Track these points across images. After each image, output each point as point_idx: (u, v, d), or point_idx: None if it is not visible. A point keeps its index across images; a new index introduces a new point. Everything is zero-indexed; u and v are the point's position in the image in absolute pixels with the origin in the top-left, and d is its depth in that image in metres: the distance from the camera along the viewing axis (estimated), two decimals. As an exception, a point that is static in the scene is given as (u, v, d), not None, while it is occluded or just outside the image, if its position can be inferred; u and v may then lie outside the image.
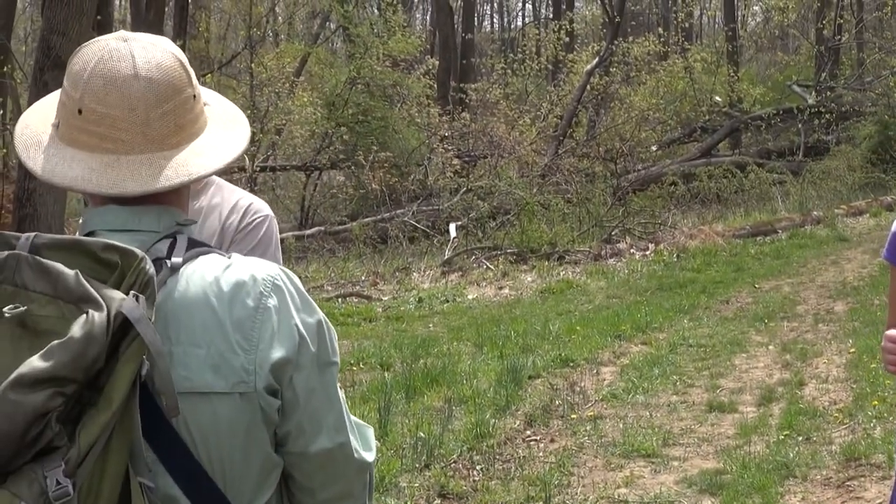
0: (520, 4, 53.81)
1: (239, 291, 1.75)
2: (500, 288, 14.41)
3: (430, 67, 25.97)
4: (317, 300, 10.67)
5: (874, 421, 6.90)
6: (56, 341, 1.50)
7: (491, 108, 24.26)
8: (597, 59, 25.22)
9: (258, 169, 20.56)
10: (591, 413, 7.63)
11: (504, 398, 7.86)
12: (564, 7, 36.40)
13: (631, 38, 27.52)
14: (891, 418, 6.88)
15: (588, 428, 7.23)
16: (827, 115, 24.89)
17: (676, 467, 6.40)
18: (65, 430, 1.52)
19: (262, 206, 3.29)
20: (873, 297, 11.12)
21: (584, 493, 5.96)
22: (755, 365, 9.00)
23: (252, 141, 20.96)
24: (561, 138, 23.48)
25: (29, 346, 1.53)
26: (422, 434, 6.80)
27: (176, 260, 1.74)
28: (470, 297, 13.82)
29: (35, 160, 1.80)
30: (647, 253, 16.11)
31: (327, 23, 31.17)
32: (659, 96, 25.52)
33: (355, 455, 1.88)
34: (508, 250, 16.45)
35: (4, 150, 17.82)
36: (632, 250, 16.34)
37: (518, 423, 7.41)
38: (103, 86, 1.75)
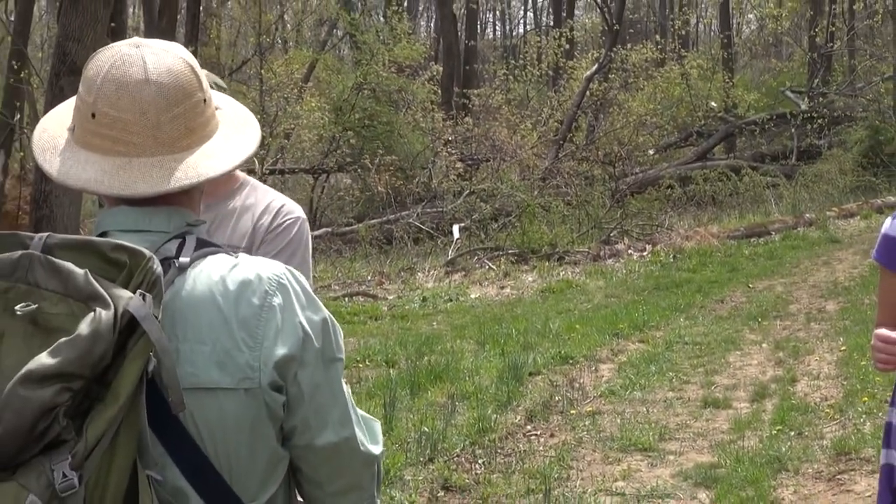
0: (521, 12, 53.84)
1: (245, 290, 1.75)
2: (502, 287, 14.41)
3: (435, 73, 25.93)
4: (324, 299, 10.65)
5: (864, 416, 6.90)
6: (64, 338, 1.51)
7: (493, 113, 24.28)
8: (596, 65, 25.22)
9: (267, 172, 20.55)
10: (590, 409, 7.63)
11: (505, 394, 7.86)
12: (565, 15, 36.37)
13: (629, 46, 27.54)
14: (880, 414, 6.87)
15: (587, 423, 7.23)
16: (819, 120, 24.88)
17: (672, 461, 6.40)
18: (73, 424, 1.52)
19: (294, 208, 3.25)
20: (864, 296, 11.11)
21: (583, 486, 5.96)
22: (749, 362, 9.00)
23: (261, 144, 21.01)
24: (561, 142, 23.49)
25: (40, 342, 1.53)
26: (426, 429, 6.81)
27: (184, 260, 1.75)
28: (472, 296, 13.83)
29: (51, 163, 1.81)
30: (645, 254, 16.11)
31: (334, 30, 31.16)
32: (656, 102, 25.53)
33: (361, 448, 1.88)
34: (510, 251, 16.45)
35: (22, 153, 17.85)
36: (629, 251, 16.34)
37: (519, 418, 7.41)
38: (115, 90, 1.75)
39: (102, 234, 1.78)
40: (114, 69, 1.77)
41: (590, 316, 11.38)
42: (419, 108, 23.70)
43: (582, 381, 8.44)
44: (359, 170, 21.07)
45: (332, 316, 1.85)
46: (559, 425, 7.27)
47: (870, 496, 5.47)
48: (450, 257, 16.28)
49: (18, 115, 20.81)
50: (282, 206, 3.22)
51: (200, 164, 1.79)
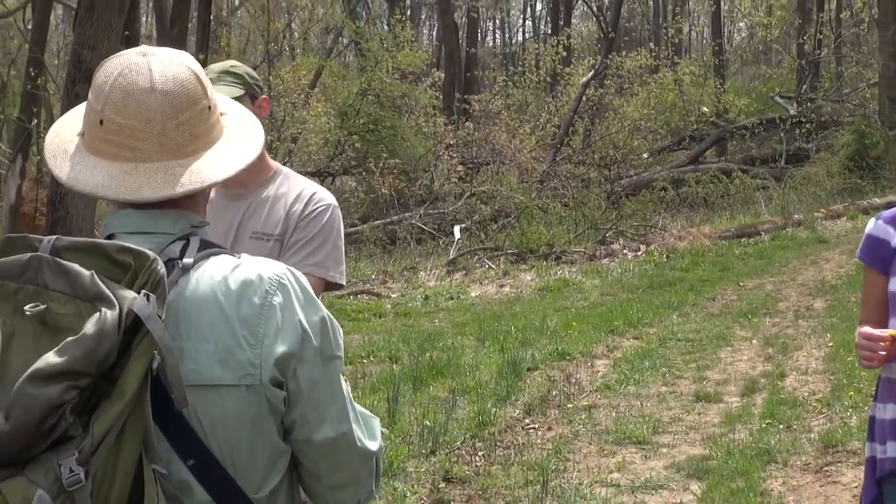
0: (520, 21, 53.83)
1: (246, 290, 1.75)
2: (501, 286, 14.40)
3: (437, 80, 25.96)
4: (329, 297, 10.68)
5: (850, 410, 6.90)
6: (70, 338, 1.52)
7: (493, 117, 24.27)
8: (592, 72, 25.24)
9: (275, 174, 20.52)
10: (586, 403, 7.63)
11: (504, 389, 7.86)
12: (562, 23, 36.36)
13: (624, 53, 27.53)
14: (865, 408, 6.86)
15: (583, 417, 7.23)
16: (807, 125, 24.85)
17: (665, 453, 6.40)
18: (80, 421, 1.53)
19: (325, 195, 3.26)
20: (850, 294, 11.10)
21: (579, 478, 5.96)
22: (739, 358, 9.00)
23: (270, 148, 21.08)
24: (558, 146, 23.49)
25: (49, 342, 1.54)
26: (428, 422, 6.81)
27: (187, 261, 1.75)
28: (473, 294, 13.83)
29: (61, 168, 1.81)
30: (639, 253, 16.09)
31: (340, 38, 31.16)
32: (650, 107, 25.51)
33: (358, 444, 1.88)
34: (509, 251, 16.45)
35: (39, 157, 17.86)
36: (624, 251, 16.33)
37: (517, 412, 7.41)
38: (122, 98, 1.76)
39: (109, 237, 1.78)
40: (121, 77, 1.77)
41: (586, 313, 11.38)
42: (422, 113, 23.71)
43: (578, 376, 8.45)
44: (363, 173, 21.08)
45: (331, 315, 1.85)
46: (556, 419, 7.27)
47: (856, 487, 5.46)
48: (451, 257, 16.28)
49: (36, 121, 20.82)
50: (314, 194, 3.22)
51: (204, 170, 1.79)
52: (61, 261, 1.61)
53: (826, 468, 5.92)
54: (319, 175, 21.83)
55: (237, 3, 32.84)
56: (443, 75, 27.76)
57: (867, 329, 2.81)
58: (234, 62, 3.36)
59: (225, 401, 1.72)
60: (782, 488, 5.67)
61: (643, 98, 25.54)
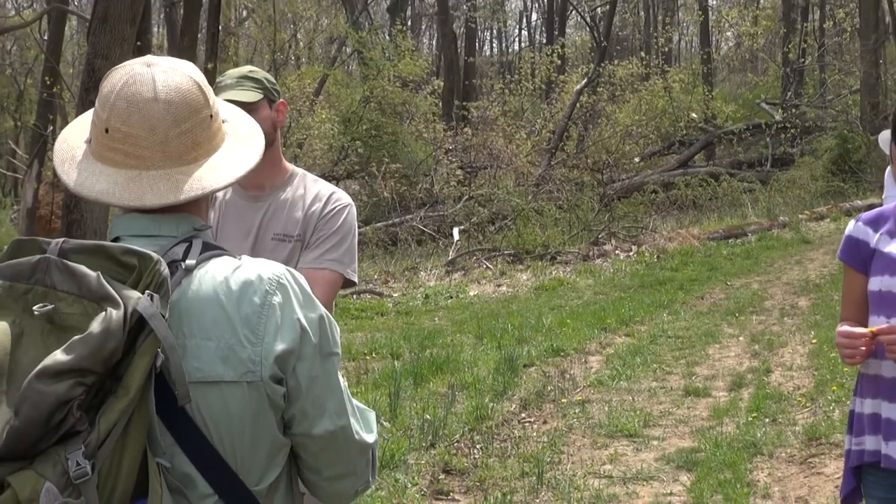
0: (516, 31, 53.80)
1: (246, 290, 1.75)
2: (499, 285, 14.41)
3: (436, 87, 25.97)
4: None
5: (833, 404, 6.89)
6: (77, 336, 1.52)
7: (490, 124, 24.28)
8: (585, 79, 25.25)
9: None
10: (580, 397, 7.62)
11: (501, 384, 7.85)
12: (557, 33, 36.40)
13: (616, 61, 27.53)
14: (848, 402, 6.86)
15: (577, 411, 7.23)
16: (792, 130, 24.87)
17: (656, 446, 6.39)
18: (86, 416, 1.53)
19: (342, 196, 3.26)
20: (833, 293, 11.10)
21: (573, 470, 5.96)
22: (727, 354, 9.00)
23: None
24: (553, 151, 23.49)
25: (57, 340, 1.54)
26: (428, 416, 6.80)
27: (190, 262, 1.75)
28: (471, 293, 13.83)
29: (69, 174, 1.82)
30: (631, 254, 16.10)
31: (344, 47, 31.16)
32: (641, 113, 25.53)
33: (356, 437, 1.88)
34: (506, 251, 16.45)
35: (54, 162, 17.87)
36: (617, 252, 16.33)
37: (514, 406, 7.40)
38: (126, 108, 1.76)
39: (115, 239, 1.78)
40: (126, 87, 1.77)
41: (580, 312, 11.38)
42: (422, 120, 23.72)
43: (572, 372, 8.44)
44: (366, 177, 21.08)
45: (328, 313, 1.85)
46: (551, 413, 7.27)
47: (838, 478, 5.46)
48: (450, 258, 16.28)
49: (51, 127, 20.83)
50: (332, 194, 3.22)
51: (205, 177, 1.79)
52: (69, 262, 1.61)
53: (810, 460, 5.92)
54: (324, 179, 21.85)
55: (245, 14, 32.84)
56: (442, 83, 27.77)
57: (846, 328, 2.81)
58: (252, 67, 3.36)
59: (226, 397, 1.72)
60: (768, 479, 5.67)
61: (634, 104, 25.57)
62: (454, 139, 22.96)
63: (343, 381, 1.88)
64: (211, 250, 1.80)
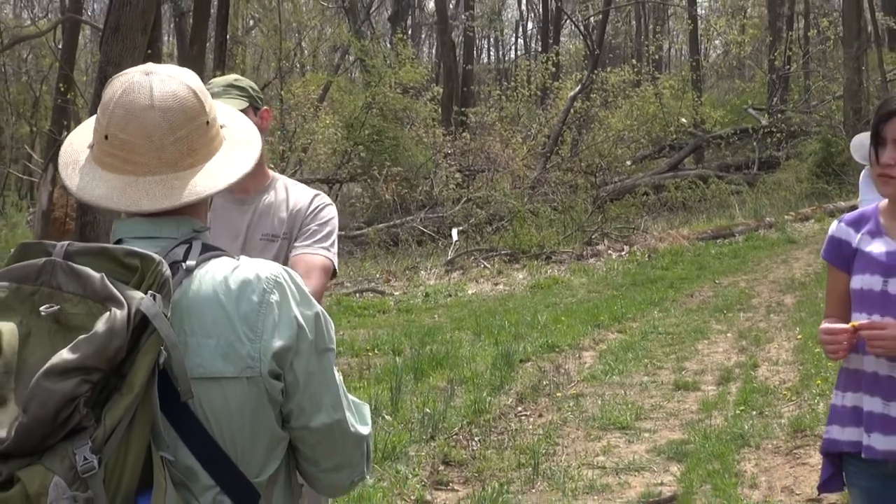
0: (513, 39, 53.75)
1: (245, 289, 1.75)
2: (496, 284, 14.40)
3: (436, 94, 25.93)
4: (337, 295, 10.69)
5: (818, 398, 6.89)
6: (82, 336, 1.53)
7: (488, 129, 24.25)
8: (579, 86, 25.24)
9: (287, 182, 20.52)
10: (574, 392, 7.63)
11: (498, 379, 7.85)
12: (551, 41, 36.38)
13: (609, 68, 27.56)
14: (832, 395, 6.87)
15: (571, 404, 7.23)
16: (778, 134, 24.86)
17: (647, 438, 6.39)
18: (93, 412, 1.54)
19: (324, 196, 3.35)
20: (817, 290, 11.10)
21: (568, 461, 5.96)
22: (715, 350, 9.00)
23: (281, 158, 20.99)
24: (548, 155, 23.49)
25: (63, 340, 1.55)
26: (428, 410, 6.80)
27: (190, 263, 1.75)
28: (469, 292, 13.83)
29: (71, 178, 1.82)
30: (623, 253, 16.10)
31: (347, 55, 31.14)
32: (633, 118, 25.52)
33: (352, 429, 1.88)
34: (503, 251, 16.44)
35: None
36: (609, 251, 16.33)
37: (511, 400, 7.40)
38: (124, 115, 1.76)
39: (119, 242, 1.79)
40: (124, 95, 1.77)
41: (574, 309, 11.38)
42: (422, 125, 23.70)
43: (567, 367, 8.44)
44: (368, 180, 21.07)
45: (324, 311, 1.85)
46: (546, 406, 7.27)
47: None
48: (449, 257, 16.27)
49: (66, 133, 20.73)
50: (316, 195, 3.32)
51: (199, 183, 1.79)
52: (74, 264, 1.62)
53: (795, 451, 5.92)
54: (328, 182, 21.85)
55: (251, 23, 32.83)
56: (441, 90, 27.73)
57: (827, 325, 2.82)
58: (237, 76, 3.40)
59: (227, 392, 1.72)
60: (755, 470, 5.67)
61: (626, 110, 25.54)
62: (453, 143, 22.95)
63: (339, 376, 1.88)
64: (210, 251, 1.80)
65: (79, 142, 1.87)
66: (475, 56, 42.81)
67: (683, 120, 26.52)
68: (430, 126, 23.71)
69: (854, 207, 3.82)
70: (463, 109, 26.45)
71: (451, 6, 37.93)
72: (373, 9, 35.07)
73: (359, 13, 31.25)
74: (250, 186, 3.25)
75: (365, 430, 1.92)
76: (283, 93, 22.59)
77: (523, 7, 48.90)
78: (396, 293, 13.88)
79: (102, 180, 1.78)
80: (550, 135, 24.31)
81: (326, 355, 1.83)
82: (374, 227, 18.97)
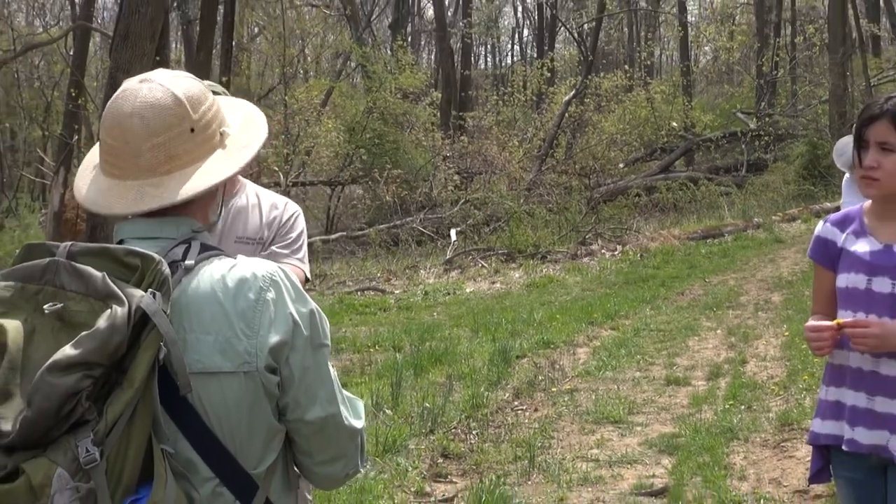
0: (509, 46, 53.74)
1: (242, 287, 1.75)
2: (493, 283, 14.40)
3: (435, 99, 25.94)
4: (339, 293, 10.70)
5: (804, 392, 6.89)
6: (85, 332, 1.54)
7: (485, 132, 24.26)
8: (573, 91, 25.24)
9: (291, 184, 20.57)
10: (569, 387, 7.62)
11: (496, 374, 7.85)
12: (546, 48, 36.39)
13: (602, 74, 27.52)
14: (818, 390, 6.87)
15: (566, 399, 7.22)
16: (766, 138, 24.86)
17: (640, 431, 6.39)
18: (95, 406, 1.54)
19: (293, 204, 3.37)
20: (804, 289, 11.10)
21: (563, 454, 5.96)
22: (705, 346, 8.99)
23: (286, 160, 20.93)
24: (543, 157, 23.48)
25: (66, 336, 1.56)
26: (427, 404, 6.79)
27: (189, 262, 1.76)
28: (467, 290, 13.82)
29: (79, 178, 1.86)
30: (616, 253, 16.09)
31: (348, 62, 31.14)
32: (625, 122, 25.52)
33: (345, 423, 1.87)
34: (499, 251, 16.44)
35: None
36: (603, 251, 16.33)
37: (507, 395, 7.40)
38: (111, 122, 1.78)
39: (121, 242, 1.80)
40: (114, 102, 1.79)
41: (568, 307, 11.37)
42: (421, 129, 23.69)
43: (561, 362, 8.44)
44: (370, 182, 21.05)
45: (318, 308, 1.85)
46: (542, 401, 7.26)
47: (809, 460, 5.46)
48: (448, 257, 16.27)
49: (76, 137, 20.80)
50: (286, 204, 3.35)
51: (171, 188, 1.78)
52: (76, 264, 1.63)
53: (783, 444, 5.92)
54: (330, 184, 21.85)
55: (256, 30, 32.81)
56: (440, 95, 27.75)
57: (812, 322, 2.83)
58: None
59: (224, 386, 1.73)
60: (744, 462, 5.67)
61: (619, 114, 25.55)
62: (451, 147, 22.95)
63: (333, 372, 1.88)
64: (209, 251, 1.81)
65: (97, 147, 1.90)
66: (473, 62, 42.82)
67: (674, 124, 26.52)
68: (429, 130, 23.71)
69: (839, 208, 3.82)
70: (461, 114, 26.48)
71: (449, 14, 37.96)
72: (374, 17, 35.08)
73: (360, 21, 31.25)
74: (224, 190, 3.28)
75: (359, 423, 1.92)
76: (287, 98, 22.57)
77: (519, 15, 48.92)
78: (397, 291, 13.87)
79: (94, 183, 1.82)
80: (546, 138, 24.30)
81: (321, 351, 1.83)
82: (375, 227, 18.96)
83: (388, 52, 28.84)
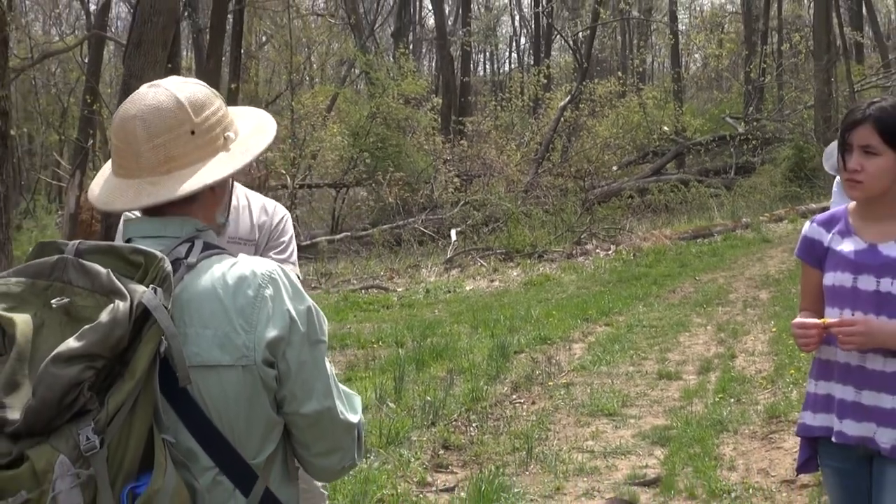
0: (507, 53, 53.73)
1: (241, 284, 1.76)
2: (492, 281, 14.39)
3: (435, 104, 25.91)
4: (344, 291, 10.70)
5: (791, 386, 6.89)
6: (87, 325, 1.55)
7: (484, 136, 24.24)
8: (569, 97, 25.24)
9: (298, 186, 20.58)
10: (565, 381, 7.61)
11: (494, 369, 7.84)
12: (543, 55, 36.35)
13: (596, 80, 27.53)
14: (804, 384, 6.86)
15: (562, 392, 7.21)
16: (753, 141, 24.84)
17: (633, 424, 6.38)
18: (97, 397, 1.55)
19: (281, 207, 3.39)
20: (791, 286, 11.10)
21: (559, 445, 5.95)
22: (696, 342, 8.99)
23: (292, 163, 20.95)
24: (540, 161, 23.47)
25: (72, 330, 1.57)
26: (429, 398, 6.78)
27: (191, 260, 1.77)
28: (467, 288, 13.81)
29: (95, 182, 1.89)
30: (610, 252, 16.08)
31: (352, 69, 31.13)
32: (618, 126, 25.51)
33: (341, 416, 1.87)
34: (498, 251, 16.43)
35: (94, 172, 17.84)
36: (597, 250, 16.32)
37: (506, 389, 7.39)
38: (118, 124, 1.81)
39: (128, 240, 1.81)
40: (122, 106, 1.82)
41: (564, 304, 11.37)
42: (423, 133, 23.69)
43: (558, 358, 8.43)
44: (373, 184, 21.05)
45: (316, 305, 1.85)
46: (539, 394, 7.26)
47: (796, 451, 5.43)
48: (448, 256, 16.26)
49: (91, 141, 20.79)
50: (275, 207, 3.37)
51: (167, 187, 1.79)
52: (83, 261, 1.65)
53: (771, 436, 5.91)
54: (335, 186, 21.85)
55: (264, 39, 32.81)
56: (441, 100, 27.73)
57: (799, 320, 2.82)
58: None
59: (223, 379, 1.73)
60: (733, 453, 5.66)
61: (613, 119, 25.54)
62: (451, 150, 22.93)
63: (330, 367, 1.87)
64: (211, 249, 1.81)
65: None
66: (472, 69, 42.78)
67: (666, 128, 26.51)
68: (430, 134, 23.71)
69: (825, 209, 3.82)
70: (461, 119, 26.45)
71: (449, 23, 37.95)
72: (377, 25, 35.08)
73: (364, 30, 31.25)
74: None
75: (354, 417, 1.91)
76: (293, 103, 22.56)
77: (517, 23, 48.89)
78: (399, 289, 13.86)
79: (105, 182, 1.85)
80: (542, 142, 24.30)
81: (318, 346, 1.83)
82: (378, 228, 18.95)
83: (391, 59, 28.83)
